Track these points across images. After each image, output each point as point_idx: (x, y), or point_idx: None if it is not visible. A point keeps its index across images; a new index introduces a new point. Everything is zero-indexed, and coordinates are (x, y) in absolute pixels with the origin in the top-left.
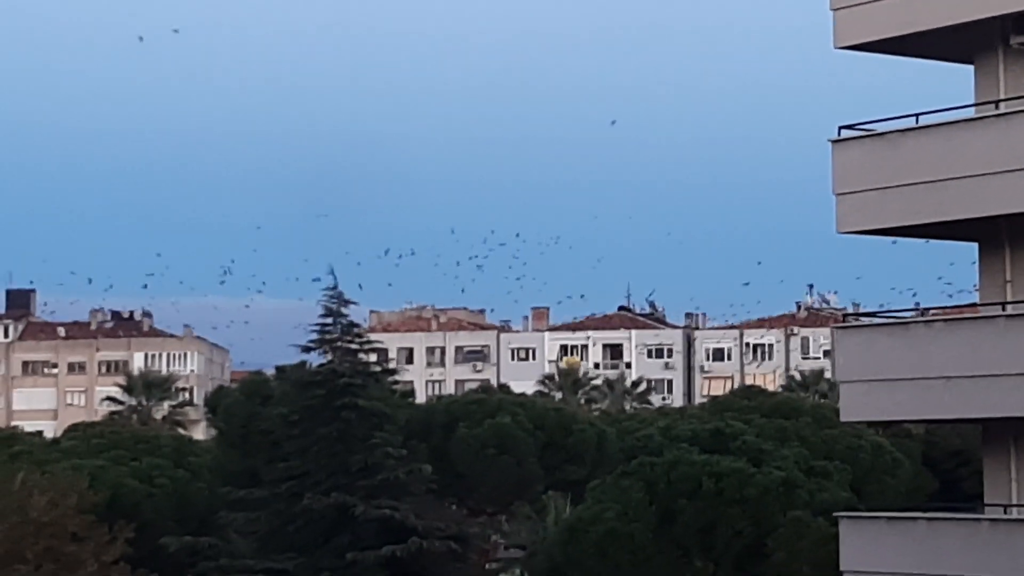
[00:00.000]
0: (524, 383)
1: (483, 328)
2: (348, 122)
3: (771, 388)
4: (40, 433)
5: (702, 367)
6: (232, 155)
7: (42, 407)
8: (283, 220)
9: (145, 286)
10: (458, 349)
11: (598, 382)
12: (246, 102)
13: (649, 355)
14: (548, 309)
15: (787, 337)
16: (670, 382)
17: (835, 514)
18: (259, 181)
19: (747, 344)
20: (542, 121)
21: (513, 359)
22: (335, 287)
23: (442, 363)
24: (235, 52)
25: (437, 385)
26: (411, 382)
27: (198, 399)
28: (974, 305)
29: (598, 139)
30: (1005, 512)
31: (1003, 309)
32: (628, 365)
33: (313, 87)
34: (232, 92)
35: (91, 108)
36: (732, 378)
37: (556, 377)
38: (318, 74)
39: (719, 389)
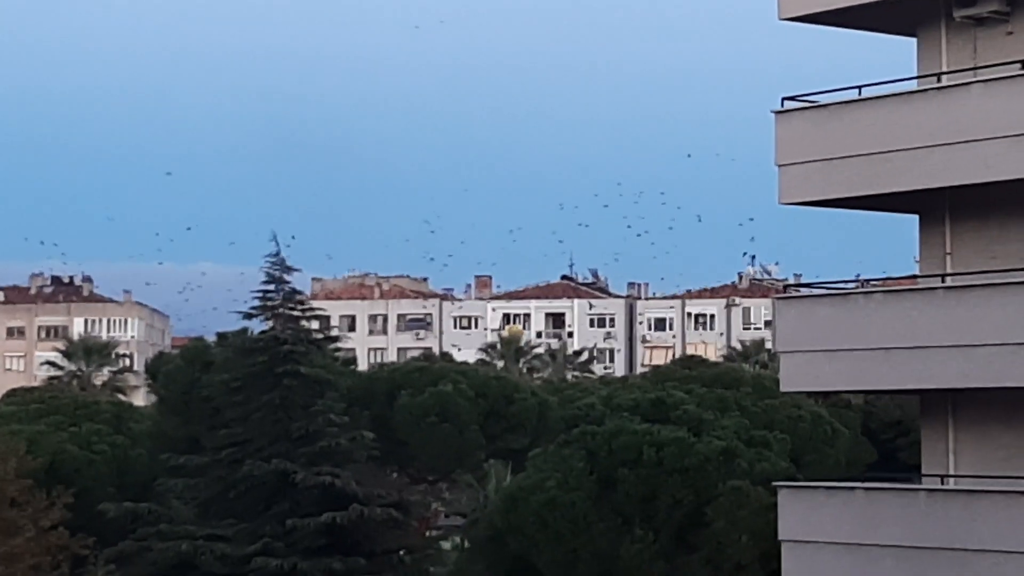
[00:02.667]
0: (466, 351)
1: (426, 296)
2: (293, 85)
3: (712, 358)
4: None
5: (644, 337)
6: (181, 118)
7: None
8: (229, 184)
9: (96, 254)
10: (400, 317)
11: (540, 351)
12: (194, 63)
13: (591, 324)
14: (491, 278)
15: (728, 307)
16: (612, 351)
17: (774, 484)
18: (204, 147)
19: (688, 314)
20: (485, 91)
21: (456, 327)
22: (278, 254)
23: (384, 331)
24: (166, 14)
25: (379, 353)
26: (353, 350)
27: (138, 365)
28: (914, 277)
29: (538, 111)
30: (942, 483)
31: (942, 281)
32: (570, 334)
33: (264, 49)
34: (180, 53)
35: (32, 68)
36: (673, 348)
37: (498, 346)
38: (262, 36)
39: (660, 359)
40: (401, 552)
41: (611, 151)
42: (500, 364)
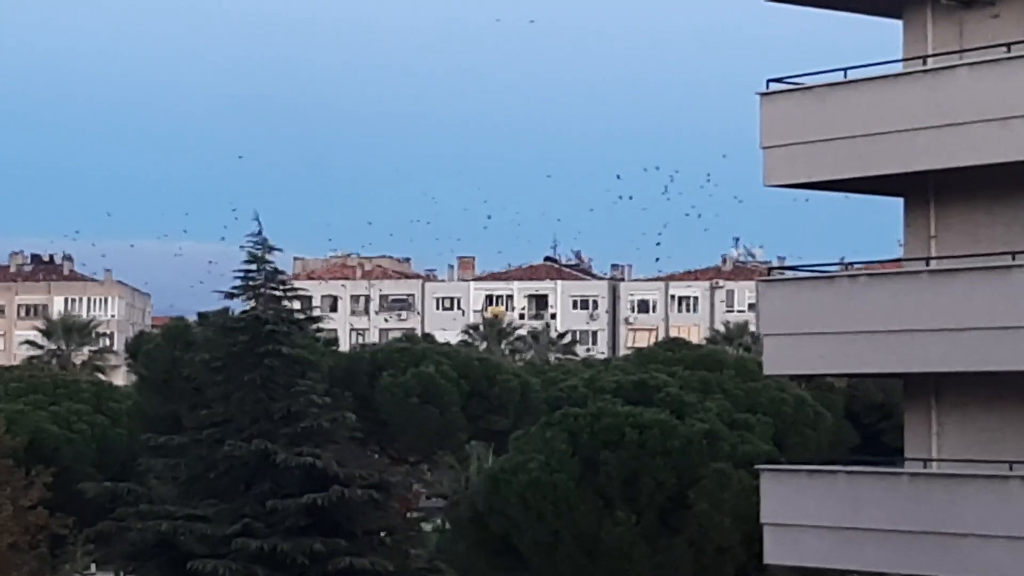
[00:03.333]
0: (448, 332)
1: (408, 277)
2: (280, 61)
3: (695, 341)
4: None
5: (627, 319)
6: (158, 100)
7: None
8: (208, 165)
9: (78, 231)
10: (383, 297)
11: (523, 332)
12: (170, 41)
13: (574, 306)
14: (474, 259)
15: (712, 290)
16: (595, 333)
17: (757, 467)
18: (187, 124)
19: (672, 296)
20: (473, 66)
21: (438, 308)
22: (259, 233)
23: (366, 311)
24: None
25: (361, 334)
26: (335, 330)
27: (118, 345)
28: (898, 260)
29: (522, 89)
30: (925, 466)
31: (927, 264)
32: (553, 316)
33: (249, 26)
34: (162, 27)
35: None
36: (657, 330)
37: (481, 327)
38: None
39: (644, 341)
40: (382, 533)
41: (597, 132)
42: (483, 346)
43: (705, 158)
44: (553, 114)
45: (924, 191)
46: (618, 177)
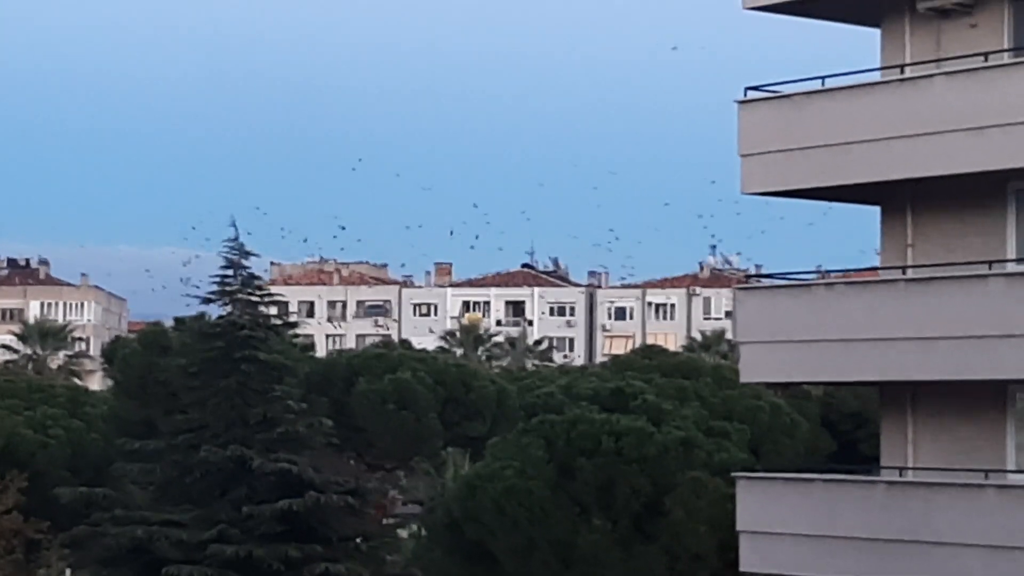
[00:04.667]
0: (425, 339)
1: (385, 283)
2: (265, 67)
3: (672, 348)
4: None
5: (604, 326)
6: (137, 103)
7: None
8: (187, 170)
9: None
10: (359, 303)
11: (500, 339)
12: (148, 43)
13: (551, 313)
14: (451, 265)
15: (689, 297)
16: (572, 340)
17: (733, 474)
18: (168, 128)
19: (649, 303)
20: (451, 76)
21: (415, 314)
22: (236, 238)
23: (343, 317)
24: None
25: (338, 339)
26: (312, 336)
27: (94, 349)
28: (875, 268)
29: (506, 98)
30: (900, 474)
31: (903, 273)
32: (530, 323)
33: (233, 33)
34: (142, 31)
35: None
36: (633, 337)
37: (457, 333)
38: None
39: (620, 348)
40: (358, 539)
41: (575, 139)
42: (459, 352)
43: (684, 165)
44: (535, 120)
45: (901, 200)
46: (595, 189)
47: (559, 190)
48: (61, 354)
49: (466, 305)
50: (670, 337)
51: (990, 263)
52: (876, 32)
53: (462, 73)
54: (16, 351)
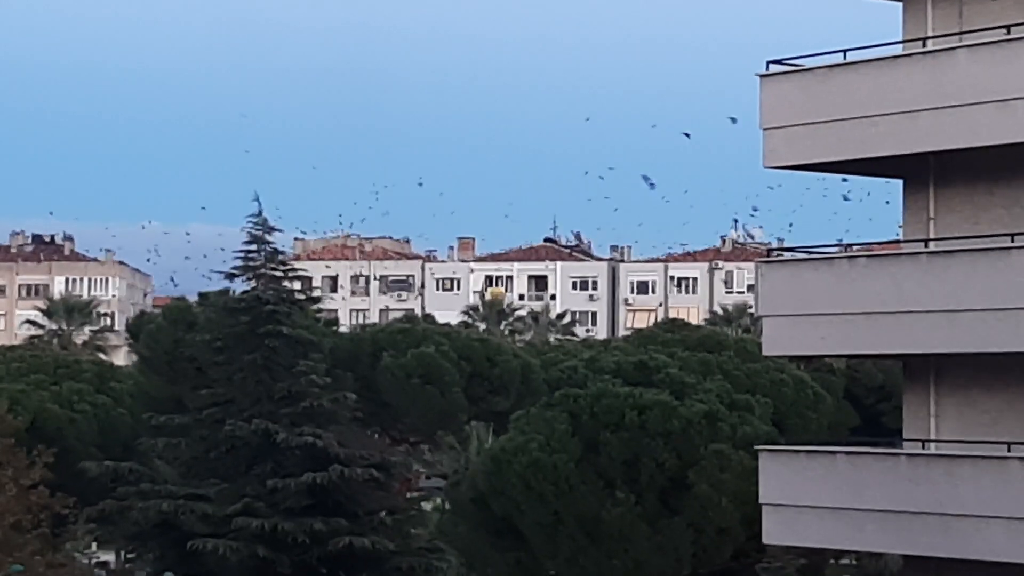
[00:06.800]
0: (448, 313)
1: (408, 257)
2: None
3: (695, 322)
4: None
5: (626, 300)
6: (162, 80)
7: None
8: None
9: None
10: (382, 278)
11: (523, 313)
12: (175, 23)
13: (574, 287)
14: (473, 239)
15: (712, 271)
16: (594, 314)
17: (756, 448)
18: (193, 106)
19: (672, 277)
20: (470, 61)
21: (438, 289)
22: (260, 213)
23: (367, 292)
24: None
25: (361, 314)
26: (335, 311)
27: (119, 325)
28: (897, 242)
29: (523, 78)
30: (923, 447)
31: (925, 246)
32: (553, 297)
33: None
34: (160, 18)
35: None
36: (656, 311)
37: (480, 308)
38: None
39: (643, 322)
40: (383, 513)
41: (599, 116)
42: (482, 327)
43: (706, 138)
44: (554, 101)
45: (923, 173)
46: (608, 171)
47: (580, 165)
48: (86, 329)
49: (489, 280)
50: (692, 311)
51: (1012, 236)
52: (898, 5)
53: (481, 47)
54: (42, 327)
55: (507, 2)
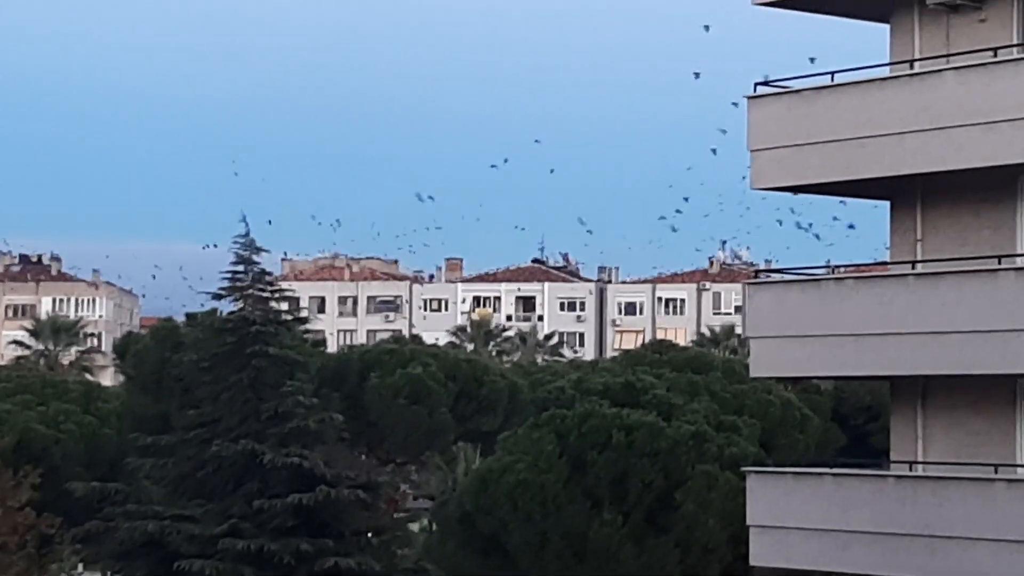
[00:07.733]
0: (436, 334)
1: (396, 278)
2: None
3: (682, 343)
4: None
5: (614, 321)
6: (148, 99)
7: None
8: (200, 165)
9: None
10: (370, 299)
11: (510, 334)
12: (164, 40)
13: (562, 308)
14: (461, 260)
15: (699, 292)
16: (582, 335)
17: (743, 468)
18: (180, 124)
19: (659, 298)
20: (458, 71)
21: (425, 310)
22: (247, 234)
23: (354, 313)
24: None
25: (349, 335)
26: (323, 331)
27: (106, 345)
28: (884, 263)
29: (514, 91)
30: (911, 468)
31: (913, 268)
32: (540, 318)
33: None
34: (148, 33)
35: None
36: (644, 332)
37: (468, 328)
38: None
39: (631, 343)
40: (370, 534)
41: (590, 134)
42: (470, 347)
43: (694, 160)
44: (545, 113)
45: (910, 194)
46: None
47: (569, 183)
48: (73, 350)
49: (476, 300)
50: (680, 332)
51: (999, 257)
52: (885, 27)
53: (475, 71)
54: (28, 347)
55: (499, 29)
